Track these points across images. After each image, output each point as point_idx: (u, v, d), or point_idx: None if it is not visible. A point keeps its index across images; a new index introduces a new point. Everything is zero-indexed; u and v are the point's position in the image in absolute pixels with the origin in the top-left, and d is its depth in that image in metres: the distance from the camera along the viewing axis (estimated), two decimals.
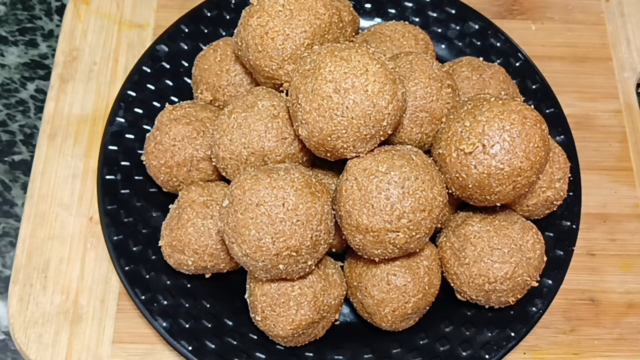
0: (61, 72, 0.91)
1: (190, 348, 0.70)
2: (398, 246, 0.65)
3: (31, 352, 0.76)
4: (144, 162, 0.77)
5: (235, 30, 0.74)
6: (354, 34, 0.82)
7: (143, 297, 0.72)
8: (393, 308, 0.69)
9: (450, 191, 0.69)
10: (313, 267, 0.68)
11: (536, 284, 0.71)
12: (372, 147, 0.66)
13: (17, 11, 1.02)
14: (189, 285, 0.75)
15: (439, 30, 0.91)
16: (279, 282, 0.68)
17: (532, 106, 0.84)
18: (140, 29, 0.95)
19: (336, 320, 0.75)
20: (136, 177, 0.79)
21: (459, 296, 0.73)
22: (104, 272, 0.80)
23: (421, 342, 0.73)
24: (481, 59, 0.82)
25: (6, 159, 0.92)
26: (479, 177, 0.65)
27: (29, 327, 0.77)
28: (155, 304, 0.72)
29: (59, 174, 0.85)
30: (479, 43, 0.89)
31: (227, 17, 0.88)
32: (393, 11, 0.92)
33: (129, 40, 0.94)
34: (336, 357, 0.72)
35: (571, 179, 0.76)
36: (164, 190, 0.78)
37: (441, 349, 0.72)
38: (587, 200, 0.85)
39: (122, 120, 0.80)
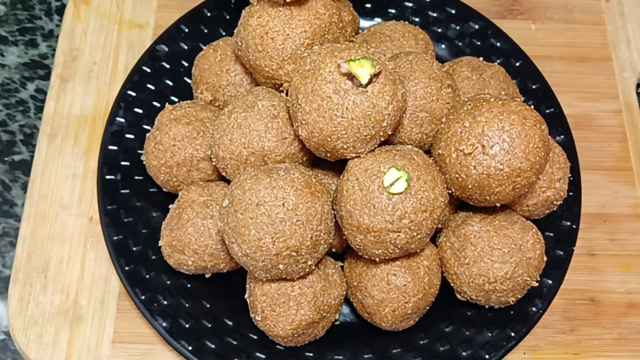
0: (61, 72, 0.91)
1: (190, 348, 0.70)
2: (399, 246, 0.65)
3: (31, 352, 0.76)
4: (144, 162, 0.77)
5: (235, 31, 0.74)
6: (354, 34, 0.82)
7: (143, 297, 0.72)
8: (393, 308, 0.69)
9: (450, 191, 0.69)
10: (313, 267, 0.68)
11: (536, 284, 0.71)
12: (372, 148, 0.66)
13: (17, 11, 1.02)
14: (189, 285, 0.75)
15: (439, 30, 0.91)
16: (279, 282, 0.68)
17: (532, 106, 0.84)
18: (140, 29, 0.95)
19: (336, 320, 0.75)
20: (136, 177, 0.79)
21: (459, 296, 0.73)
22: (104, 272, 0.80)
23: (421, 342, 0.73)
24: (481, 59, 0.82)
25: (6, 159, 0.92)
26: (478, 178, 0.65)
27: (29, 327, 0.77)
28: (155, 304, 0.72)
29: (59, 174, 0.85)
30: (479, 43, 0.89)
31: (227, 17, 0.88)
32: (393, 11, 0.92)
33: (129, 40, 0.94)
34: (336, 357, 0.72)
35: (571, 179, 0.76)
36: (164, 190, 0.78)
37: (441, 349, 0.72)
38: (587, 200, 0.85)
39: (122, 120, 0.80)
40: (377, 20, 0.92)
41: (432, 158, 0.69)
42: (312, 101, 0.63)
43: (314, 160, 0.74)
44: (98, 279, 0.80)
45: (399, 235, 0.64)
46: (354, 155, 0.66)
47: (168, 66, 0.85)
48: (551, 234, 0.77)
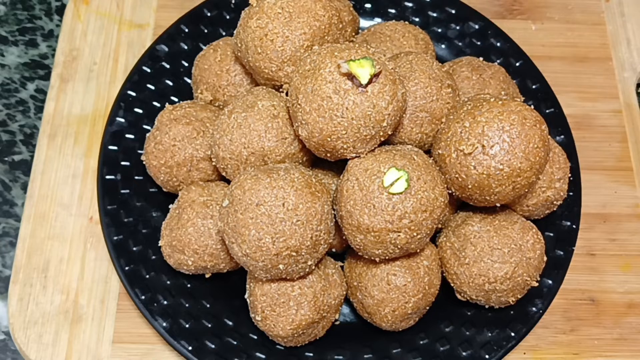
0: (61, 72, 0.91)
1: (190, 348, 0.70)
2: (399, 246, 0.65)
3: (31, 352, 0.76)
4: (144, 162, 0.77)
5: (235, 31, 0.74)
6: (354, 34, 0.82)
7: (143, 297, 0.72)
8: (393, 308, 0.69)
9: (450, 191, 0.69)
10: (313, 267, 0.68)
11: (536, 284, 0.71)
12: (372, 148, 0.66)
13: (17, 11, 1.02)
14: (189, 285, 0.75)
15: (439, 30, 0.91)
16: (279, 282, 0.68)
17: (532, 106, 0.84)
18: (140, 29, 0.95)
19: (336, 320, 0.75)
20: (136, 177, 0.79)
21: (459, 296, 0.73)
22: (104, 272, 0.80)
23: (421, 342, 0.73)
24: (481, 59, 0.82)
25: (6, 159, 0.92)
26: (478, 178, 0.65)
27: (29, 327, 0.77)
28: (155, 304, 0.72)
29: (59, 174, 0.85)
30: (479, 43, 0.89)
31: (227, 17, 0.88)
32: (393, 11, 0.92)
33: (129, 40, 0.94)
34: (336, 357, 0.72)
35: (571, 179, 0.76)
36: (164, 190, 0.78)
37: (441, 349, 0.72)
38: (587, 200, 0.85)
39: (122, 120, 0.80)
40: (377, 20, 0.92)
41: (432, 158, 0.69)
42: (312, 101, 0.63)
43: (314, 160, 0.74)
44: (98, 279, 0.80)
45: (399, 235, 0.64)
46: (354, 155, 0.66)
47: (168, 66, 0.85)
48: (551, 234, 0.77)
